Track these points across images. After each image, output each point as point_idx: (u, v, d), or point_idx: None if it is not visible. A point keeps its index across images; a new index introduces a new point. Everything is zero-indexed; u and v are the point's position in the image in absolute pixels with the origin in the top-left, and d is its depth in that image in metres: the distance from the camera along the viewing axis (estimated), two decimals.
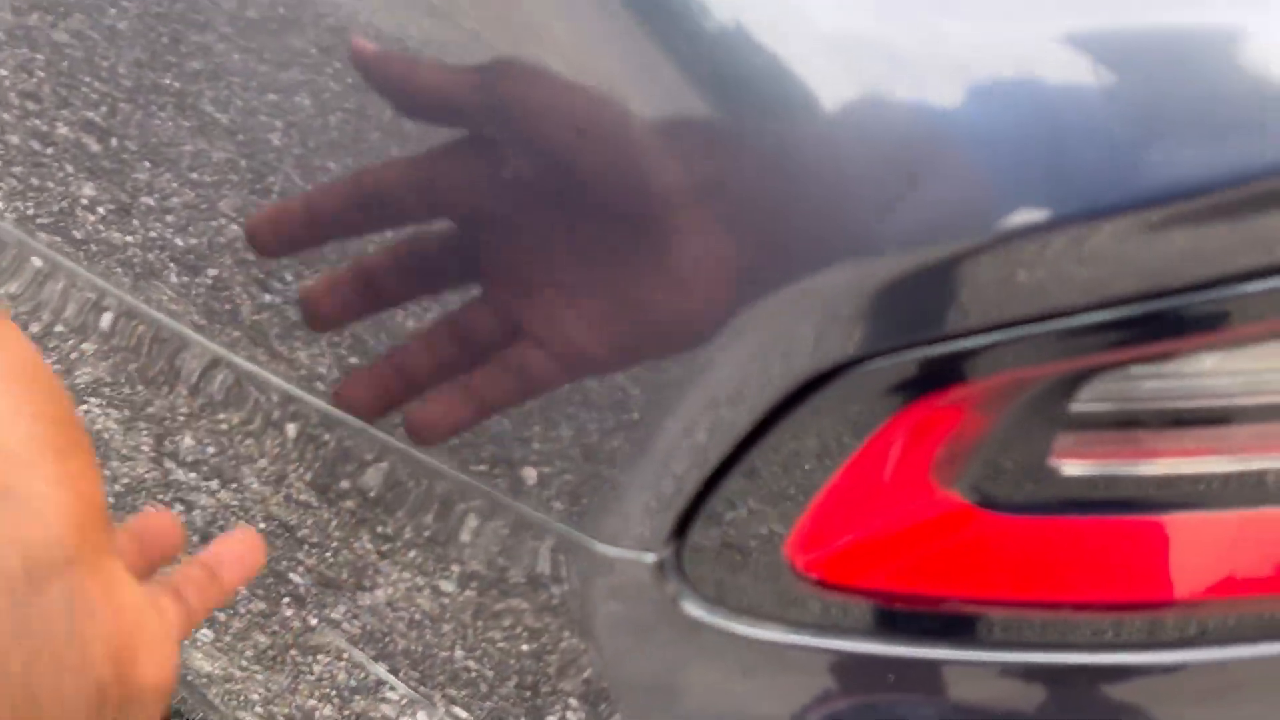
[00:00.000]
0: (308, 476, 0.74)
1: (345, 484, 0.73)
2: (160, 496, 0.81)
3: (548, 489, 0.61)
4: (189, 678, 0.95)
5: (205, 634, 0.88)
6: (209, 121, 0.65)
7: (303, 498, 0.74)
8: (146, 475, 0.81)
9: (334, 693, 0.80)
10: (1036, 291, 0.47)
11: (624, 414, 0.56)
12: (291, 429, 0.74)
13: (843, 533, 0.58)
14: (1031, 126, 0.44)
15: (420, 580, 0.70)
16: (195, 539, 0.81)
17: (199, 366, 0.76)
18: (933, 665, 0.59)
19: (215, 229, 0.69)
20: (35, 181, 0.80)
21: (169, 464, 0.79)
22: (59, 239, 0.80)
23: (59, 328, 0.85)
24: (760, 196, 0.48)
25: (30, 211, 0.81)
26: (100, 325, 0.82)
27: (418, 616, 0.71)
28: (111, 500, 0.85)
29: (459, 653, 0.70)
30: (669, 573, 0.60)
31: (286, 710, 0.87)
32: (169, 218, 0.72)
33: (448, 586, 0.70)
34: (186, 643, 0.90)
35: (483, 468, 0.63)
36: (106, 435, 0.82)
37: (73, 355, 0.87)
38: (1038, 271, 0.46)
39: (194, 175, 0.69)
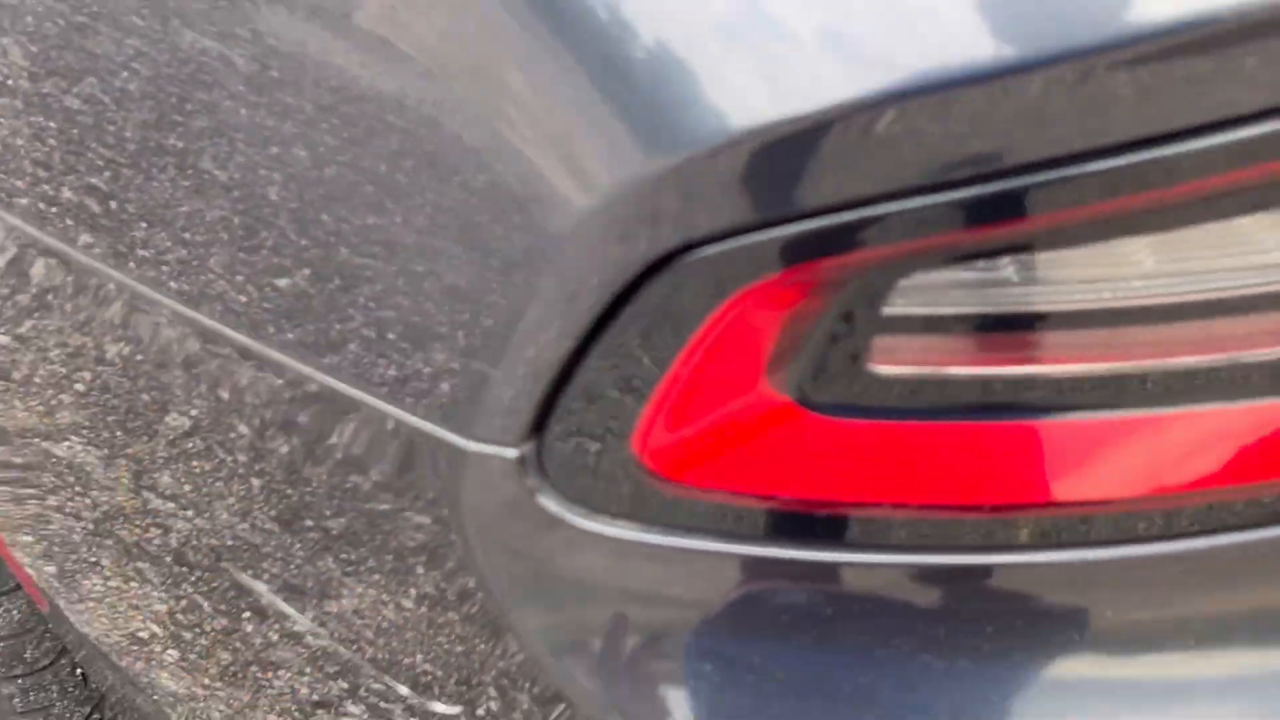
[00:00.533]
0: (272, 514, 0.81)
1: (310, 522, 0.80)
2: (138, 522, 0.88)
3: (411, 386, 0.67)
4: (155, 696, 1.00)
5: (172, 653, 0.94)
6: (207, 180, 0.73)
7: (268, 527, 0.81)
8: (125, 503, 0.88)
9: (295, 707, 0.87)
10: (844, 179, 0.53)
11: (481, 310, 0.62)
12: (256, 483, 0.81)
13: (680, 427, 0.63)
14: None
15: (385, 596, 0.77)
16: (169, 559, 0.87)
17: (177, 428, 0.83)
18: (773, 564, 0.65)
19: (205, 282, 0.77)
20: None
21: (147, 494, 0.86)
22: None
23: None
24: (579, 94, 0.55)
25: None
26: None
27: (384, 624, 0.78)
28: (90, 526, 0.91)
29: (419, 657, 0.77)
30: (529, 469, 0.65)
31: None
32: (164, 268, 0.80)
33: (407, 603, 0.76)
34: (153, 662, 0.96)
35: (346, 366, 0.70)
36: (88, 468, 0.89)
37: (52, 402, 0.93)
38: (846, 157, 0.52)
39: (187, 235, 0.77)
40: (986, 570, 0.65)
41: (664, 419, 0.63)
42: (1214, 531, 0.64)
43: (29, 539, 1.00)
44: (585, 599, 0.69)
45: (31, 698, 1.09)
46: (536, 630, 0.70)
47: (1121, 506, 0.64)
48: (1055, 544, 0.64)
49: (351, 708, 0.84)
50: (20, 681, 1.08)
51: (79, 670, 1.10)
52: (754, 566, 0.66)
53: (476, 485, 0.67)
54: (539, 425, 0.64)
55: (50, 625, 1.06)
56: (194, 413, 0.81)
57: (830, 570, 0.66)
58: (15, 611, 1.05)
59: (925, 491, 0.63)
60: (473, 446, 0.66)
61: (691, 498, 0.65)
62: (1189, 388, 0.62)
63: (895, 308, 0.60)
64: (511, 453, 0.65)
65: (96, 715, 1.14)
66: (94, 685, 1.11)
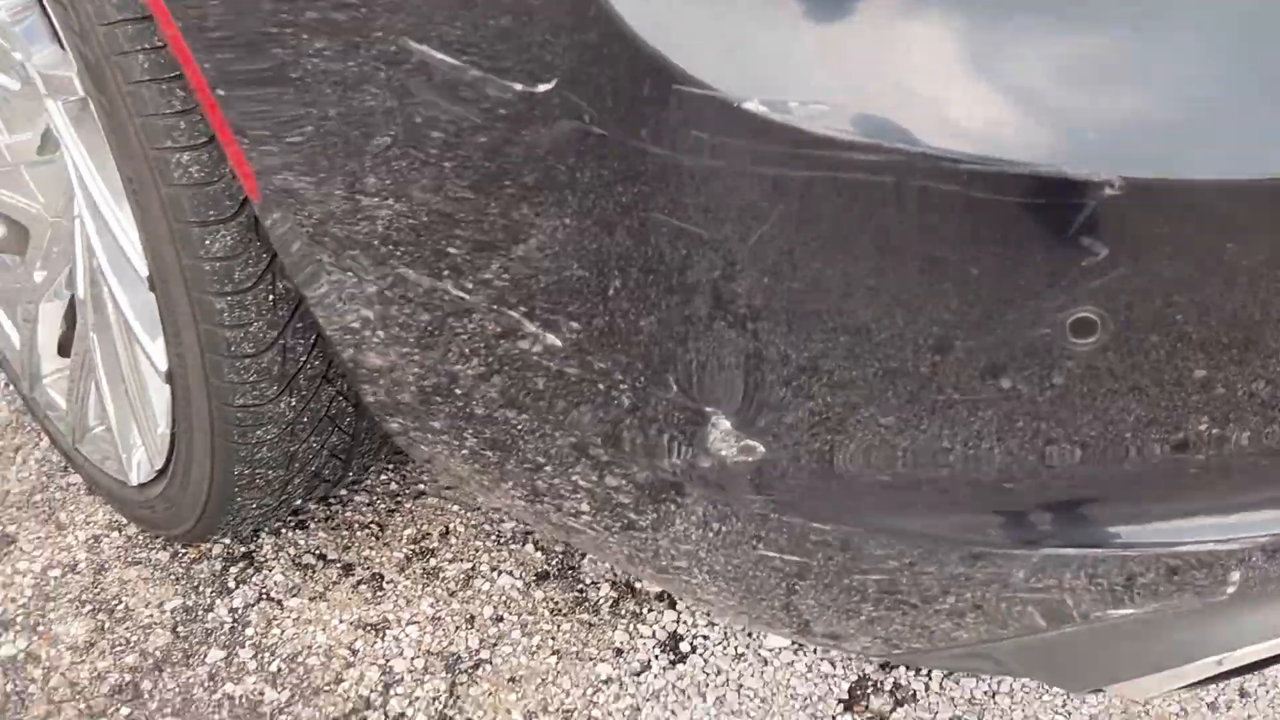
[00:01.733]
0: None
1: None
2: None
3: None
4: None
5: (380, 334, 1.08)
6: None
7: (460, 194, 0.95)
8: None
9: (482, 346, 1.00)
10: None
11: None
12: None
13: None
14: None
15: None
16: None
17: None
18: None
19: None
20: None
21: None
22: None
23: None
24: None
25: None
26: None
27: None
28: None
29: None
30: None
31: (436, 380, 1.07)
32: None
33: None
34: (365, 334, 1.10)
35: None
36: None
37: None
38: None
39: None
40: None
41: None
42: None
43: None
44: None
45: (236, 314, 1.30)
46: None
47: None
48: None
49: None
50: (228, 299, 1.27)
51: (272, 297, 1.31)
52: None
53: None
54: None
55: (254, 250, 1.26)
56: None
57: None
58: (228, 237, 1.24)
59: None
60: None
61: None
62: None
63: None
64: None
65: (282, 341, 1.34)
66: (281, 312, 1.30)
